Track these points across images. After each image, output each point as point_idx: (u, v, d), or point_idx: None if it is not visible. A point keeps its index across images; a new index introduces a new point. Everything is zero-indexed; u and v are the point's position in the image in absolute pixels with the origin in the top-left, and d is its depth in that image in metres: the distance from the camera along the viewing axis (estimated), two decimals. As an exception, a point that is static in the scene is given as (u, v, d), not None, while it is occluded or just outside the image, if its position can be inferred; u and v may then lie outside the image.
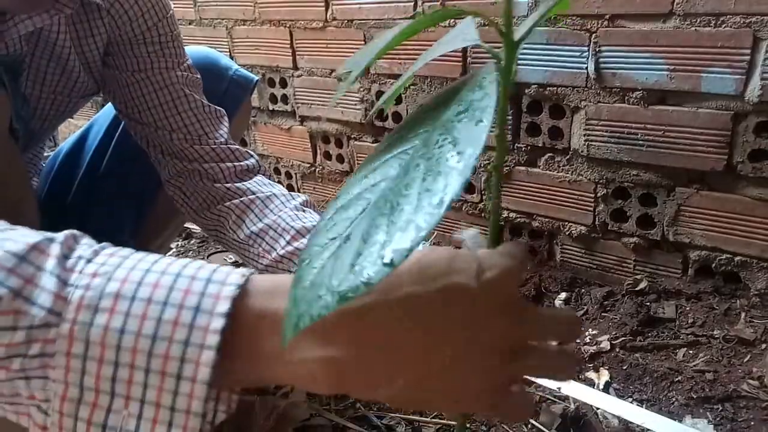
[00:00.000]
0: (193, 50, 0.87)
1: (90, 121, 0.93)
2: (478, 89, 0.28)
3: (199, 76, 0.79)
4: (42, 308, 0.30)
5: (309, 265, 0.26)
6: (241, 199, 0.75)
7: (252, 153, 0.81)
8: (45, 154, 0.93)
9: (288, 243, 0.69)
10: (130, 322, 0.30)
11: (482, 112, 0.26)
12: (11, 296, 0.30)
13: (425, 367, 0.31)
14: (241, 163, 0.78)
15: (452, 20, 1.14)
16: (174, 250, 1.41)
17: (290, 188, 1.63)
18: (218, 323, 0.30)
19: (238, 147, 0.79)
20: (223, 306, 0.30)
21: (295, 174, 1.59)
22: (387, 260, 0.24)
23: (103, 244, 0.34)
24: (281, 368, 0.31)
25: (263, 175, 0.80)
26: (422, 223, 0.24)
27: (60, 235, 0.33)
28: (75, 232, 0.34)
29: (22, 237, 0.32)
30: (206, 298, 0.30)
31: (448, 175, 0.25)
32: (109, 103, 0.86)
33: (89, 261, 0.32)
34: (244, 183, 0.76)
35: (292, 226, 0.70)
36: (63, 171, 0.90)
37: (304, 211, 0.74)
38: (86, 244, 0.34)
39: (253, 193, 0.75)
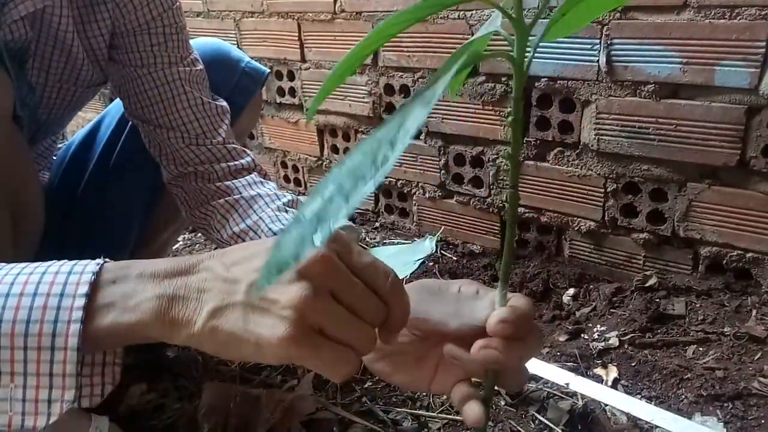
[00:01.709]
0: (204, 42, 0.86)
1: (102, 114, 0.93)
2: (444, 75, 0.29)
3: (202, 68, 0.79)
4: None
5: (285, 233, 0.30)
6: (227, 198, 0.75)
7: (248, 152, 0.80)
8: (57, 147, 0.93)
9: None
10: (6, 314, 0.37)
11: (432, 95, 0.27)
12: None
13: (230, 298, 0.37)
14: (236, 163, 0.78)
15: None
16: (181, 242, 1.41)
17: (297, 182, 1.63)
18: (80, 302, 0.37)
19: (235, 146, 0.79)
20: (83, 288, 0.38)
21: (302, 167, 1.59)
22: (315, 241, 0.27)
23: None
24: (127, 313, 0.38)
25: (257, 173, 0.80)
26: (347, 203, 0.26)
27: None
28: None
29: None
30: (69, 285, 0.38)
31: (381, 160, 0.26)
32: None
33: None
34: (234, 182, 0.76)
35: (270, 229, 0.71)
36: (74, 163, 0.90)
37: (286, 211, 0.74)
38: None
39: (240, 193, 0.75)
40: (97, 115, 0.95)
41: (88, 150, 0.90)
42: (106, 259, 0.40)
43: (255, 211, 0.74)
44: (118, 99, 0.91)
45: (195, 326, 0.38)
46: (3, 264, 0.40)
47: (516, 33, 0.31)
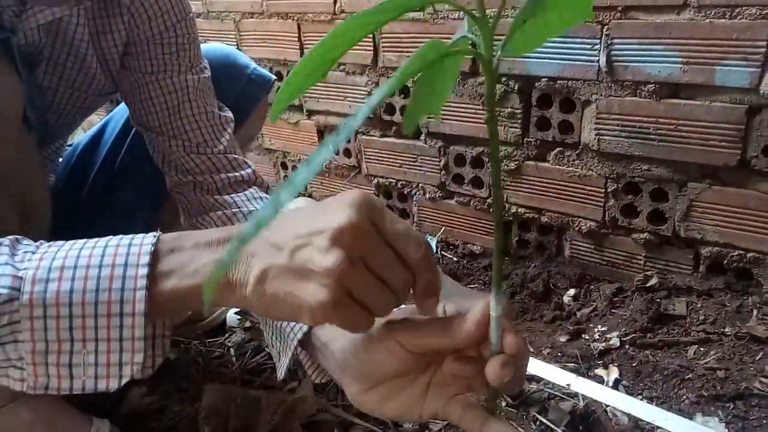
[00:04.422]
0: (212, 48, 0.86)
1: (106, 117, 0.93)
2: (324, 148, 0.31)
3: (209, 75, 0.78)
4: (4, 287, 0.39)
5: (253, 219, 0.31)
6: (225, 211, 0.74)
7: (249, 163, 0.80)
8: (64, 150, 0.93)
9: None
10: (76, 284, 0.40)
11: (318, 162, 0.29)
12: None
13: (275, 261, 0.39)
14: (236, 174, 0.77)
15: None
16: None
17: (297, 182, 1.62)
18: (143, 271, 0.40)
19: (236, 156, 0.78)
20: (145, 258, 0.41)
21: (303, 168, 1.58)
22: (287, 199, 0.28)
23: (41, 241, 0.44)
24: (186, 279, 0.41)
25: (258, 186, 0.79)
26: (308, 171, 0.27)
27: (6, 240, 0.43)
28: (17, 236, 0.44)
29: None
30: (131, 256, 0.41)
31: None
32: None
33: (34, 252, 0.42)
34: (233, 196, 0.76)
35: None
36: (79, 165, 0.90)
37: None
38: (28, 243, 0.43)
39: (238, 207, 0.75)
40: (101, 119, 0.95)
41: (92, 153, 0.90)
42: (159, 232, 0.43)
43: None
44: (122, 103, 0.91)
45: (246, 288, 0.40)
46: (61, 242, 0.43)
47: (481, 31, 0.31)
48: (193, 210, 0.78)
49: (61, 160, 0.91)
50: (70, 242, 0.43)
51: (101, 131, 0.92)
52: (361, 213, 0.38)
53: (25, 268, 0.40)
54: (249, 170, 0.79)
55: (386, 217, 0.40)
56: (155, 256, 0.42)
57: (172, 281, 0.41)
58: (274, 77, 0.92)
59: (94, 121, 0.96)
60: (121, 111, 0.90)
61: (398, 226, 0.40)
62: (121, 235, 0.43)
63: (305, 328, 0.54)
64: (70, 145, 0.95)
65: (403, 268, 0.40)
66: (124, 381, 0.41)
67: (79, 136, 0.96)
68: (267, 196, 0.79)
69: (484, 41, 0.32)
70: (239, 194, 0.76)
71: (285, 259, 0.39)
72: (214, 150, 0.77)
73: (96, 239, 0.43)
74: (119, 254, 0.41)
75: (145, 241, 0.42)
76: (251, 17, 1.49)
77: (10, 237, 0.43)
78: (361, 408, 0.46)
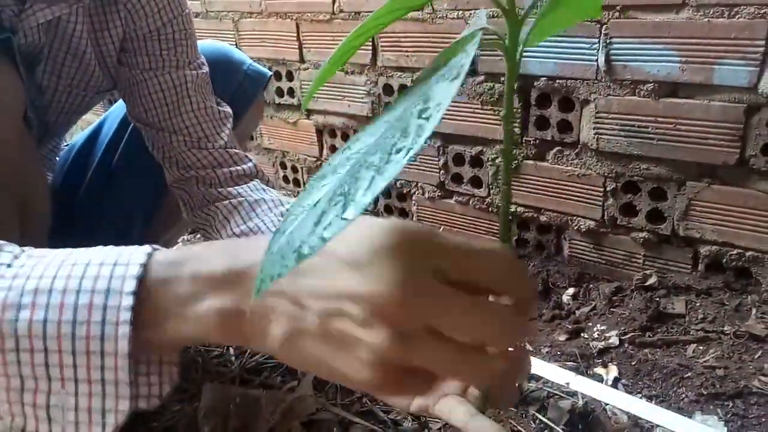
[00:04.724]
0: (207, 45, 0.86)
1: (103, 116, 0.93)
2: (462, 53, 0.28)
3: (207, 71, 0.79)
4: None
5: (279, 232, 0.28)
6: (231, 200, 0.75)
7: (250, 158, 0.80)
8: (61, 148, 0.93)
9: None
10: (51, 313, 0.33)
11: (459, 69, 0.26)
12: None
13: (301, 326, 0.32)
14: (238, 168, 0.78)
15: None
16: (180, 244, 1.41)
17: (296, 182, 1.62)
18: (128, 301, 0.33)
19: (237, 151, 0.79)
20: (130, 285, 0.34)
21: (301, 168, 1.58)
22: (346, 215, 0.24)
23: (24, 248, 0.37)
24: (186, 325, 0.35)
25: (260, 180, 0.80)
26: (382, 175, 0.24)
27: None
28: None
29: None
30: (115, 279, 0.34)
31: (414, 130, 0.25)
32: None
33: (9, 266, 0.35)
34: (237, 188, 0.76)
35: (270, 231, 0.70)
36: (76, 165, 0.90)
37: None
38: (8, 251, 0.37)
39: (243, 197, 0.75)
40: (97, 118, 0.95)
41: (89, 152, 0.90)
42: (155, 247, 0.36)
43: (257, 215, 0.73)
44: (118, 102, 0.91)
45: (268, 344, 0.34)
46: (46, 251, 0.37)
47: (508, 24, 0.31)
48: (196, 204, 0.78)
49: (58, 159, 0.91)
50: (53, 254, 0.36)
51: (98, 130, 0.92)
52: (408, 267, 0.29)
53: None
54: (250, 164, 0.79)
55: (445, 247, 0.30)
56: (144, 284, 0.34)
57: (167, 324, 0.34)
58: (270, 73, 0.92)
59: (92, 120, 0.96)
60: (118, 109, 0.90)
61: (464, 249, 0.30)
62: (109, 248, 0.36)
63: None
64: (67, 145, 0.95)
65: (494, 311, 0.30)
66: (109, 430, 0.35)
67: (77, 135, 0.96)
68: (269, 189, 0.79)
69: (511, 35, 0.31)
70: (242, 186, 0.77)
71: (314, 326, 0.32)
72: (216, 145, 0.77)
73: (82, 252, 0.36)
74: (101, 276, 0.34)
75: (132, 260, 0.35)
76: (250, 17, 1.49)
77: None
78: (355, 386, 0.44)
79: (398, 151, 0.24)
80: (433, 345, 0.29)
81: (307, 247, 0.24)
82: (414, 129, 0.24)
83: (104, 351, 0.33)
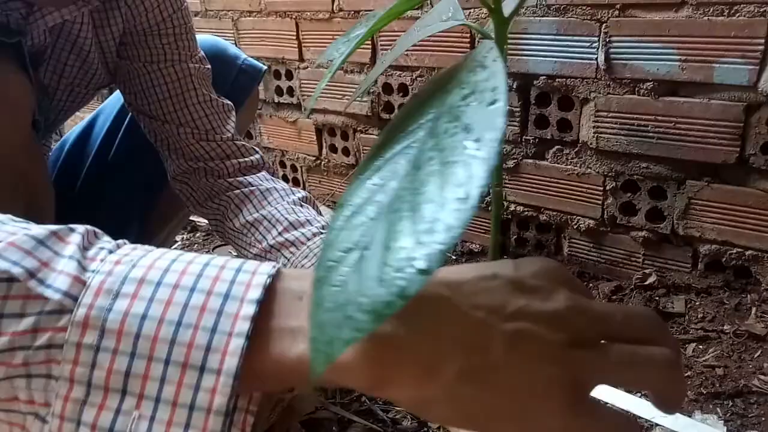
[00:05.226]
0: (202, 39, 0.86)
1: (96, 111, 0.93)
2: (481, 69, 0.27)
3: (209, 68, 0.79)
4: (57, 291, 0.27)
5: (326, 283, 0.23)
6: (242, 189, 0.75)
7: (257, 149, 0.81)
8: (52, 143, 0.93)
9: (279, 234, 0.69)
10: (154, 308, 0.27)
11: (494, 93, 0.24)
12: (26, 276, 0.27)
13: (485, 357, 0.27)
14: (246, 159, 0.78)
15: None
16: (179, 242, 1.41)
17: (296, 181, 1.62)
18: (249, 309, 0.27)
19: (244, 143, 0.79)
20: (255, 293, 0.28)
21: (301, 167, 1.58)
22: (421, 266, 0.21)
23: (124, 240, 0.32)
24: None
25: (267, 171, 0.80)
26: (453, 221, 0.21)
27: (80, 227, 0.31)
28: (95, 228, 0.32)
29: (41, 226, 0.30)
30: (236, 285, 0.28)
31: (470, 165, 0.22)
32: (116, 93, 0.86)
33: (111, 252, 0.30)
34: (246, 177, 0.77)
35: (285, 218, 0.70)
36: (70, 161, 0.90)
37: (301, 206, 0.74)
38: (107, 240, 0.32)
39: (254, 185, 0.75)
40: (90, 113, 0.95)
41: (83, 147, 0.90)
42: (280, 265, 0.31)
43: (269, 203, 0.73)
44: (112, 96, 0.91)
45: (426, 387, 0.26)
46: (151, 247, 0.31)
47: (494, 23, 0.31)
48: (201, 197, 0.77)
49: (50, 154, 0.91)
50: (163, 249, 0.31)
51: (91, 124, 0.91)
52: (573, 292, 0.29)
53: (93, 270, 0.28)
54: (257, 156, 0.80)
55: (599, 314, 0.29)
56: (272, 294, 0.28)
57: (301, 345, 0.27)
58: (265, 67, 0.92)
59: (82, 116, 0.96)
60: (112, 103, 0.90)
61: (618, 317, 0.29)
62: (231, 258, 0.30)
63: None
64: (58, 139, 0.94)
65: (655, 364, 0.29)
66: None
67: (69, 130, 0.95)
68: (278, 180, 0.79)
69: (498, 36, 0.30)
70: (251, 176, 0.77)
71: (499, 354, 0.27)
72: (223, 137, 0.77)
73: (199, 254, 0.31)
74: (222, 279, 0.28)
75: (260, 270, 0.29)
76: (249, 16, 1.49)
77: (87, 226, 0.32)
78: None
79: (448, 184, 0.23)
80: (614, 348, 0.28)
81: (384, 306, 0.21)
82: (464, 160, 0.23)
83: (205, 366, 0.26)
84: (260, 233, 0.71)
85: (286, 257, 0.67)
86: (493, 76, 0.25)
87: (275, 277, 0.29)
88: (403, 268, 0.21)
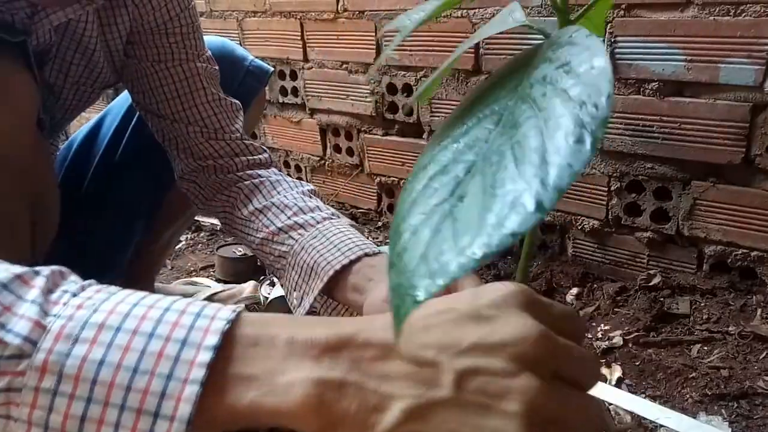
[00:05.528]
0: (209, 40, 0.87)
1: (104, 111, 0.93)
2: (571, 46, 0.26)
3: (217, 68, 0.79)
4: (17, 336, 0.28)
5: (415, 235, 0.23)
6: (252, 181, 0.75)
7: (265, 148, 0.81)
8: (59, 144, 0.93)
9: (288, 218, 0.69)
10: (112, 353, 0.28)
11: (594, 60, 0.24)
12: None
13: (432, 395, 0.27)
14: (255, 157, 0.78)
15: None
16: (183, 242, 1.41)
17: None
18: (205, 356, 0.28)
19: (252, 142, 0.79)
20: (212, 339, 0.28)
21: (305, 167, 1.58)
22: (531, 208, 0.21)
23: (90, 281, 0.33)
24: (272, 396, 0.29)
25: (275, 168, 0.80)
26: (572, 161, 0.21)
27: (46, 269, 0.32)
28: (62, 268, 0.33)
29: (6, 268, 0.31)
30: (195, 330, 0.29)
31: (577, 115, 0.22)
32: (124, 93, 0.86)
33: (75, 295, 0.31)
34: (256, 171, 0.77)
35: (295, 203, 0.70)
36: (77, 161, 0.90)
37: (310, 197, 0.74)
38: (73, 281, 0.32)
39: (263, 177, 0.75)
40: (97, 114, 0.95)
41: (91, 148, 0.90)
42: (241, 308, 0.31)
43: (279, 192, 0.73)
44: (120, 97, 0.91)
45: (373, 428, 0.28)
46: (115, 288, 0.32)
47: (559, 23, 0.31)
48: (210, 192, 0.77)
49: (57, 154, 0.91)
50: (126, 292, 0.31)
51: (98, 125, 0.91)
52: (535, 318, 0.29)
53: (55, 315, 0.29)
54: (265, 155, 0.80)
55: (546, 303, 0.31)
56: (229, 340, 0.29)
57: (252, 393, 0.28)
58: (272, 69, 0.92)
59: (89, 117, 0.96)
60: (119, 104, 0.90)
61: (557, 310, 0.31)
62: (193, 299, 0.31)
63: (344, 261, 0.57)
64: (66, 139, 0.95)
65: (590, 359, 0.31)
66: None
67: (77, 130, 0.96)
68: (285, 176, 0.79)
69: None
70: (260, 170, 0.77)
71: (447, 391, 0.27)
72: (232, 136, 0.77)
73: (162, 296, 0.31)
74: (180, 324, 0.29)
75: (220, 315, 0.30)
76: (254, 16, 1.49)
77: (53, 267, 0.32)
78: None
79: (551, 138, 0.23)
80: (565, 390, 0.29)
81: (488, 245, 0.21)
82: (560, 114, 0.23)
83: (159, 412, 0.27)
84: (268, 218, 0.70)
85: (294, 238, 0.67)
86: (588, 48, 0.25)
87: (234, 322, 0.30)
88: (513, 208, 0.21)
